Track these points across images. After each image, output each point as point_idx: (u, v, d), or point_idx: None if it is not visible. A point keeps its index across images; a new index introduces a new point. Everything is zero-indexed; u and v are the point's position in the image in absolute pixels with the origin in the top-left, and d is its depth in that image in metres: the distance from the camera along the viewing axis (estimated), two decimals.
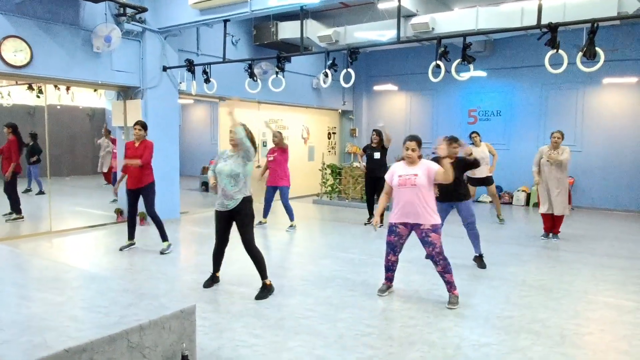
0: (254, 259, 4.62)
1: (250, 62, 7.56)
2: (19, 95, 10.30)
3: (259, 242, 4.76)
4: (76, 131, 12.61)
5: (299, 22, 7.04)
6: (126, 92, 8.29)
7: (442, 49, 5.52)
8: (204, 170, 12.37)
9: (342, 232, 7.91)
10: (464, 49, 5.34)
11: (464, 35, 5.51)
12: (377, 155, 8.22)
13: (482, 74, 10.91)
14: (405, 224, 4.41)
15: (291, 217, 7.95)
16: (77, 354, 2.39)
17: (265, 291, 4.62)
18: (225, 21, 7.29)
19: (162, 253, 6.20)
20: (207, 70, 7.74)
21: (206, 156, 11.85)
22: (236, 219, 4.53)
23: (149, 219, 8.13)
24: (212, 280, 4.90)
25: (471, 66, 5.42)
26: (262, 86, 7.95)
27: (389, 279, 4.76)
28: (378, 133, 8.32)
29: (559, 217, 7.28)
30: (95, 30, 7.17)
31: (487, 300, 4.64)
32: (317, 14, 10.07)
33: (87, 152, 12.33)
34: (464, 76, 5.77)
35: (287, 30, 9.55)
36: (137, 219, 8.05)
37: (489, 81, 11.50)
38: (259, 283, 4.75)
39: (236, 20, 7.77)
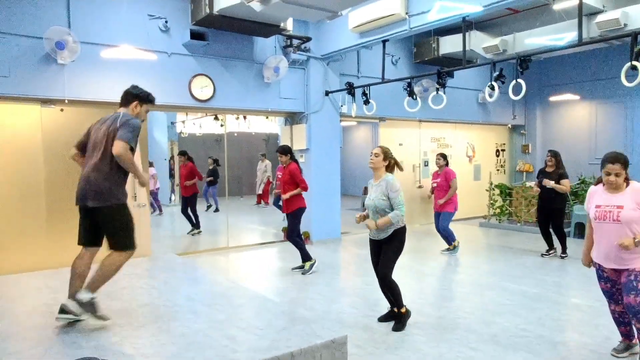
0: (390, 290, 4.35)
1: (409, 80, 7.39)
2: (208, 126, 11.81)
3: (418, 266, 4.49)
4: (253, 155, 13.92)
5: (461, 35, 6.65)
6: (292, 118, 8.82)
7: (639, 46, 4.61)
8: (365, 190, 12.50)
9: (512, 259, 7.11)
10: None
11: None
12: (550, 183, 6.90)
13: None
14: (612, 268, 3.48)
15: (451, 240, 7.49)
16: None
17: (402, 320, 4.35)
18: (384, 41, 7.27)
19: (303, 274, 6.23)
20: (367, 91, 7.79)
21: (367, 176, 11.88)
22: (383, 248, 4.32)
23: (312, 239, 8.48)
24: (390, 317, 4.52)
25: None
26: (422, 104, 7.70)
27: (626, 335, 3.68)
28: (554, 154, 7.08)
29: None
30: (265, 63, 7.80)
31: None
32: (481, 25, 9.45)
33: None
34: None
35: (449, 45, 9.15)
36: (302, 237, 8.46)
37: None
38: (416, 311, 4.46)
39: (395, 39, 7.71)
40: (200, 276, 4.16)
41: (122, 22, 6.63)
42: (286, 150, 6.42)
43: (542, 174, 7.15)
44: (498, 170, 12.41)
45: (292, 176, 6.27)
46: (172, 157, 12.49)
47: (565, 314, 4.71)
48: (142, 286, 3.95)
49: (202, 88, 7.39)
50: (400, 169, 4.45)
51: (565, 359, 3.65)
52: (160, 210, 11.42)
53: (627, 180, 3.42)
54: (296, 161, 6.47)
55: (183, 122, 12.71)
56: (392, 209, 4.18)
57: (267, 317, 3.29)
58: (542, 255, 7.27)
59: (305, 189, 6.28)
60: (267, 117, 10.81)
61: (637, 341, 3.62)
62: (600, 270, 3.57)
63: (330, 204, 8.73)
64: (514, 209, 10.18)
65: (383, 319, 4.55)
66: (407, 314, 4.43)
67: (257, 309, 3.57)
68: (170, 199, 12.61)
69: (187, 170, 8.97)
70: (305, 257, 6.34)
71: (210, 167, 10.30)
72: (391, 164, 4.39)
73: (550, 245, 7.25)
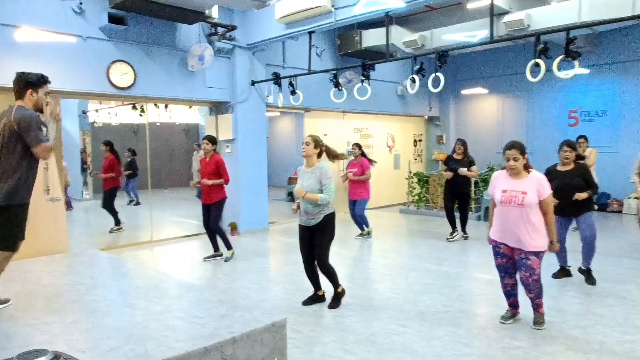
0: (327, 274, 4.53)
1: (335, 72, 7.56)
2: (125, 115, 11.22)
3: (345, 252, 4.67)
4: (174, 146, 13.47)
5: (383, 29, 6.91)
6: (218, 107, 8.66)
7: (542, 45, 5.10)
8: (290, 180, 12.61)
9: (432, 242, 7.59)
10: (567, 43, 4.89)
11: (567, 29, 5.04)
12: (463, 170, 7.29)
13: (584, 71, 10.02)
14: (506, 245, 3.91)
15: (365, 225, 7.90)
16: None
17: (338, 298, 4.60)
18: (310, 33, 7.36)
19: (225, 261, 6.43)
20: (293, 82, 7.86)
21: (292, 167, 12.04)
22: (316, 236, 4.43)
23: (240, 229, 8.44)
24: (313, 300, 4.71)
25: (576, 62, 4.94)
26: (347, 95, 7.91)
27: (513, 305, 4.17)
28: (463, 143, 7.48)
29: None
30: (190, 50, 7.58)
31: (600, 322, 4.15)
32: (402, 20, 9.87)
33: (184, 166, 13.10)
34: (568, 74, 5.28)
35: (371, 38, 9.46)
36: (228, 228, 8.38)
37: (591, 79, 10.53)
38: (347, 294, 4.65)
39: (321, 31, 7.83)
40: (129, 270, 4.02)
41: (31, 1, 6.13)
42: (214, 140, 6.42)
43: (452, 161, 7.51)
44: (416, 159, 13.07)
45: (218, 167, 6.25)
46: (84, 149, 11.72)
47: (481, 290, 5.15)
48: (66, 283, 3.74)
49: (122, 75, 7.04)
50: (338, 157, 4.58)
51: (484, 329, 4.01)
52: (70, 205, 10.70)
53: (528, 168, 3.81)
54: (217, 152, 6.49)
55: (97, 110, 11.96)
56: None
57: (206, 306, 3.28)
58: (448, 239, 7.59)
59: (228, 181, 6.32)
60: (190, 107, 10.51)
61: (519, 311, 4.18)
62: (496, 247, 3.97)
63: (257, 194, 8.73)
64: (430, 196, 10.80)
65: (307, 302, 4.69)
66: (343, 292, 4.67)
67: (195, 299, 3.54)
68: (82, 194, 11.85)
69: (106, 163, 8.48)
70: (229, 245, 6.51)
71: (128, 160, 9.82)
72: (322, 152, 4.50)
73: (454, 227, 7.67)
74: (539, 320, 3.98)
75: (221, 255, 6.61)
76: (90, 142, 11.60)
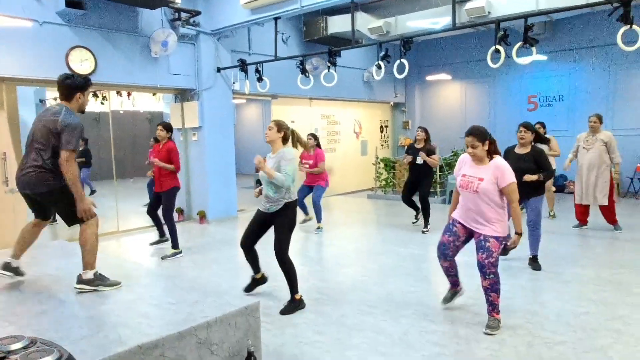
0: (285, 269, 4.17)
1: (301, 58, 7.56)
2: None
3: (313, 237, 4.73)
4: (138, 135, 13.18)
5: (348, 15, 6.95)
6: (183, 95, 8.53)
7: (502, 32, 5.26)
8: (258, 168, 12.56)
9: (399, 226, 7.77)
10: (525, 30, 5.06)
11: (526, 16, 5.22)
12: (419, 160, 7.13)
13: (542, 57, 10.36)
14: (464, 225, 3.82)
15: (319, 218, 7.56)
16: (149, 350, 2.46)
17: (293, 306, 4.19)
18: (276, 19, 7.32)
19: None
20: (260, 69, 7.81)
21: (260, 154, 11.96)
22: (275, 224, 4.22)
23: (208, 217, 8.40)
24: (255, 284, 4.61)
25: (534, 49, 5.13)
26: (314, 82, 7.93)
27: (453, 284, 4.13)
28: (424, 130, 7.32)
29: (605, 206, 6.76)
30: (152, 36, 7.42)
31: (558, 297, 4.40)
32: (367, 6, 9.92)
33: (148, 155, 12.83)
34: (526, 60, 5.47)
35: (337, 25, 9.48)
36: (197, 217, 8.33)
37: (549, 65, 10.91)
38: (317, 278, 4.73)
39: (286, 17, 7.79)
40: (97, 260, 3.96)
41: None
42: (170, 127, 6.27)
43: (412, 149, 7.34)
44: (382, 145, 13.26)
45: (170, 154, 6.06)
46: None
47: None
48: (33, 274, 3.66)
49: (82, 62, 6.84)
50: (302, 145, 4.39)
51: (448, 307, 4.18)
52: None
53: (493, 154, 3.70)
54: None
55: (55, 99, 11.54)
56: None
57: (178, 293, 3.29)
58: (414, 223, 7.64)
59: (179, 169, 6.14)
60: (154, 94, 10.29)
61: (459, 288, 4.17)
62: (452, 224, 3.87)
63: (225, 182, 8.69)
64: (397, 181, 11.01)
65: (248, 288, 4.58)
66: (302, 303, 4.25)
67: (167, 286, 3.55)
68: None
69: None
70: (175, 244, 6.16)
71: (81, 148, 9.56)
72: (287, 136, 4.29)
73: (416, 209, 7.55)
74: (491, 325, 3.67)
75: (167, 240, 6.28)
76: None
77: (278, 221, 4.18)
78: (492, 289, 3.66)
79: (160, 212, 6.31)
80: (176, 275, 4.75)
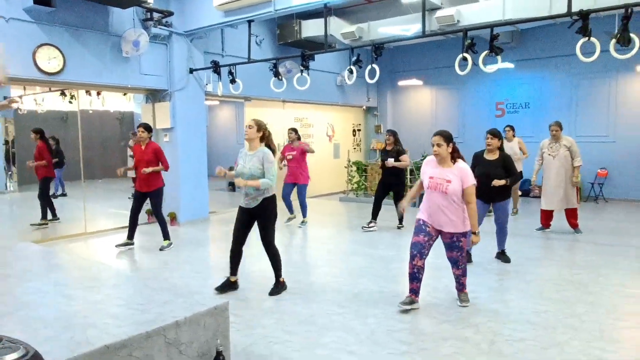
0: (271, 255, 4.62)
1: (274, 61, 7.60)
2: (52, 102, 10.61)
3: (286, 239, 4.79)
4: (107, 135, 12.91)
5: (322, 19, 7.04)
6: (154, 95, 8.45)
7: (469, 41, 5.43)
8: (231, 170, 12.50)
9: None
10: (491, 40, 5.24)
11: (491, 26, 5.41)
12: (391, 161, 7.42)
13: (509, 65, 10.69)
14: (433, 226, 4.09)
15: (304, 214, 8.01)
16: (116, 350, 2.46)
17: (279, 287, 4.65)
18: (250, 22, 7.34)
19: (161, 249, 6.43)
20: (233, 70, 7.81)
21: (232, 156, 11.89)
22: (258, 220, 4.51)
23: (180, 219, 8.33)
24: (228, 286, 4.67)
25: (499, 57, 5.31)
26: (287, 85, 7.98)
27: (414, 291, 4.15)
28: (392, 133, 7.60)
29: (571, 210, 7.05)
30: (124, 36, 7.33)
31: (520, 296, 4.56)
32: (340, 11, 10.04)
33: (118, 155, 12.61)
34: (492, 68, 5.66)
35: (311, 29, 9.56)
36: (168, 219, 8.25)
37: (516, 73, 11.26)
38: (289, 279, 4.78)
39: (260, 20, 7.82)
40: (64, 262, 3.91)
41: None
42: (150, 128, 6.42)
43: (384, 152, 7.65)
44: (355, 148, 13.40)
45: (157, 154, 6.28)
46: (12, 140, 11.00)
47: None
48: None
49: (50, 60, 6.71)
50: (272, 149, 4.54)
51: (414, 309, 4.27)
52: None
53: (456, 157, 4.02)
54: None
55: (20, 97, 11.24)
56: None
57: (147, 293, 3.28)
58: (363, 228, 7.58)
59: (167, 167, 6.41)
60: (125, 94, 10.14)
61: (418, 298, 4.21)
62: (424, 225, 4.07)
63: (197, 184, 8.64)
64: (369, 184, 11.15)
65: (220, 288, 4.65)
66: (284, 285, 4.72)
67: (136, 287, 3.53)
68: (6, 186, 11.14)
69: (36, 151, 8.04)
70: (167, 236, 6.56)
71: (54, 148, 9.34)
72: (265, 135, 4.50)
73: (374, 218, 7.63)
74: (464, 299, 4.27)
75: (133, 244, 6.56)
76: (13, 131, 10.92)
77: (262, 216, 4.48)
78: (462, 274, 4.26)
79: (140, 216, 6.59)
80: (146, 277, 4.72)
